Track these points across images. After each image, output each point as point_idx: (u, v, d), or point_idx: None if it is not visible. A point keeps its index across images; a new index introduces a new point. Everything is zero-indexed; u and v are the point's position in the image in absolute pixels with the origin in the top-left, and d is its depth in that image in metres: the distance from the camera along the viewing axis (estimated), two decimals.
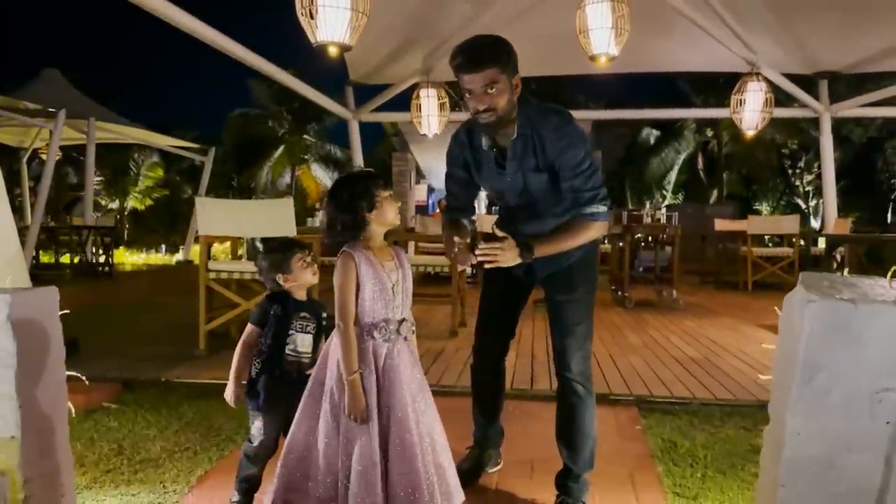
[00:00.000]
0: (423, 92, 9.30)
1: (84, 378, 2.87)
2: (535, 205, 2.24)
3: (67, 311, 2.07)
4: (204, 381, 3.66)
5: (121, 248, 16.12)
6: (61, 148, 13.42)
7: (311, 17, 5.17)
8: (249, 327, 2.19)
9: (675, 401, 3.37)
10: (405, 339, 1.91)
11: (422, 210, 15.47)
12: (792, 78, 9.09)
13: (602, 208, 2.15)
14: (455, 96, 10.83)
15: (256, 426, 2.15)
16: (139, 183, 23.46)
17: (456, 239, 2.18)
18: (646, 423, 3.09)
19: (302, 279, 2.21)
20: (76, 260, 10.91)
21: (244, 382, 2.18)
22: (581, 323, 2.26)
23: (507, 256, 2.07)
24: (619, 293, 7.45)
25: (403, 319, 1.92)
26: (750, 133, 8.51)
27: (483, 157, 2.26)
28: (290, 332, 2.15)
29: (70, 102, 10.25)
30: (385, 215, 1.92)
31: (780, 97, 8.69)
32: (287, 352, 2.14)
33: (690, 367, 4.11)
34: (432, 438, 1.90)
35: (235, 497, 2.16)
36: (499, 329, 2.47)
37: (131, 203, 24.03)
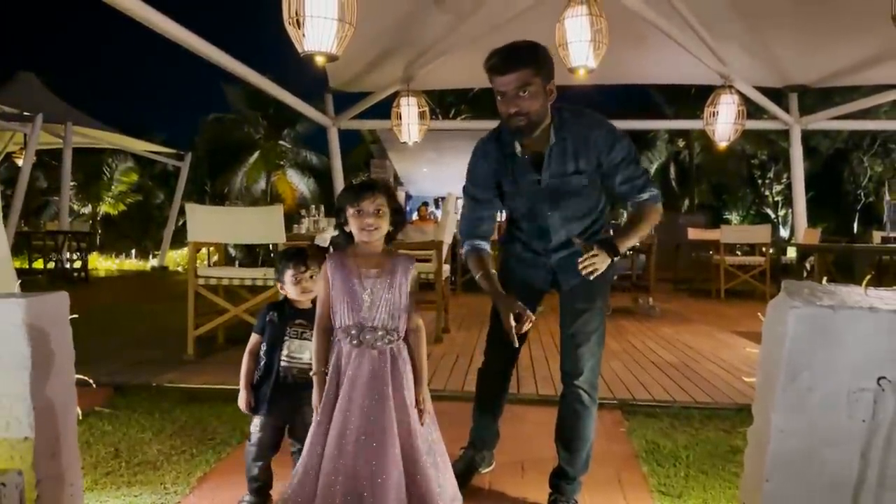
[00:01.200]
0: (403, 100, 9.38)
1: (92, 381, 2.90)
2: (566, 209, 2.29)
3: (76, 316, 2.10)
4: (195, 385, 3.71)
5: (93, 253, 15.91)
6: (36, 152, 13.32)
7: (299, 27, 5.26)
8: (253, 336, 2.27)
9: (656, 404, 3.49)
10: (374, 348, 1.94)
11: None
12: (763, 91, 9.36)
13: (655, 190, 2.26)
14: (433, 105, 10.95)
15: (254, 423, 2.26)
16: (112, 188, 23.21)
17: (517, 313, 2.16)
18: (629, 425, 3.21)
19: (290, 293, 2.29)
20: (50, 265, 10.81)
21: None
22: (596, 331, 2.33)
23: (603, 261, 2.12)
24: None
25: (375, 328, 1.95)
26: (723, 144, 8.73)
27: (516, 163, 2.26)
28: (285, 338, 2.23)
29: (46, 106, 10.19)
30: (353, 230, 1.98)
31: (750, 109, 8.93)
32: (282, 357, 2.22)
33: (670, 371, 4.24)
34: (409, 449, 1.93)
35: (248, 497, 2.23)
36: (506, 346, 2.51)
37: (104, 208, 23.75)
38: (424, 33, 8.50)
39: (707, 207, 24.02)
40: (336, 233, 2.09)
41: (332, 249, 2.10)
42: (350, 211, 1.97)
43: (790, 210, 25.72)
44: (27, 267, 12.11)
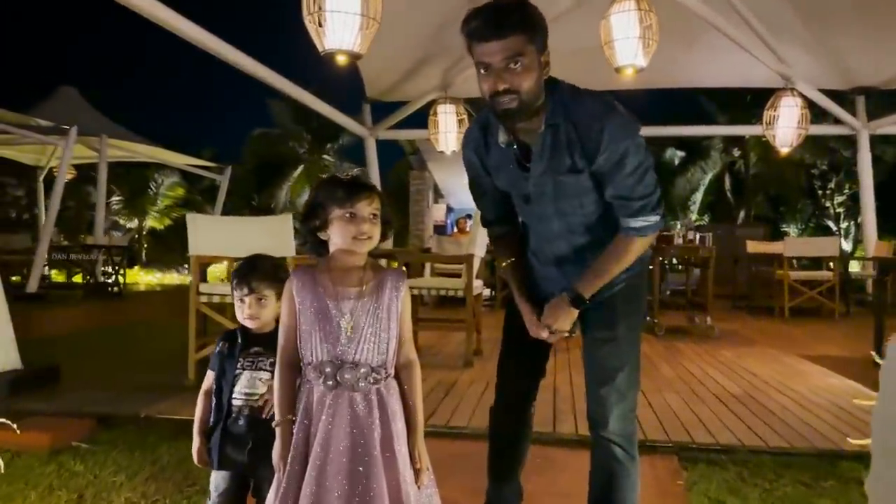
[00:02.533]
0: (440, 108, 9.02)
1: (14, 426, 2.54)
2: (565, 216, 1.83)
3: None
4: (187, 417, 3.27)
5: (136, 267, 15.92)
6: (79, 167, 13.34)
7: (319, 25, 4.90)
8: (207, 374, 1.85)
9: (720, 448, 2.93)
10: (356, 390, 1.51)
11: (440, 230, 15.11)
12: (826, 94, 8.68)
13: (654, 219, 1.75)
14: (473, 112, 10.54)
15: (212, 480, 1.88)
16: (158, 202, 23.40)
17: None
18: (688, 476, 2.66)
19: (238, 316, 1.87)
20: (82, 279, 10.71)
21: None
22: (623, 368, 1.84)
23: (563, 320, 1.81)
24: (649, 319, 7.00)
25: (356, 364, 1.52)
26: (784, 150, 8.09)
27: (501, 155, 1.83)
28: (237, 370, 1.81)
29: (82, 119, 10.08)
30: (336, 237, 1.56)
31: (810, 114, 8.26)
32: (234, 395, 1.80)
33: (733, 405, 3.67)
34: None
35: None
36: (525, 366, 2.04)
37: (150, 223, 23.95)
38: (462, 38, 8.14)
39: (763, 219, 22.97)
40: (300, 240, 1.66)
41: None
42: (337, 212, 1.54)
43: (853, 222, 24.53)
44: (65, 281, 12.11)
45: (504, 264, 1.99)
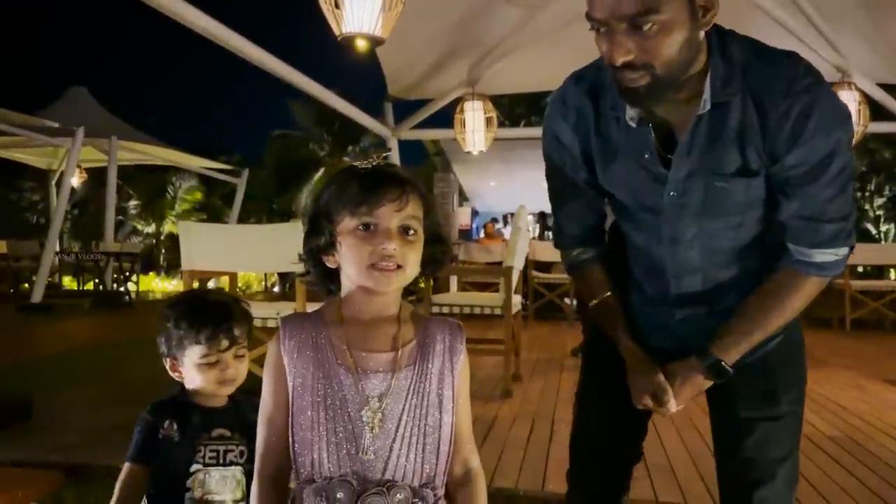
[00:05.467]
0: (467, 105, 8.43)
1: None
2: (711, 239, 1.23)
3: None
4: None
5: (151, 274, 15.55)
6: (95, 171, 12.93)
7: (336, 7, 4.34)
8: (126, 468, 1.28)
9: None
10: None
11: (465, 235, 14.52)
12: (886, 88, 7.97)
13: (843, 251, 1.17)
14: (501, 116, 10.00)
15: None
16: (176, 207, 23.08)
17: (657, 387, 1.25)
18: None
19: (195, 380, 1.32)
20: (99, 288, 10.28)
21: None
22: (786, 459, 1.26)
23: (688, 394, 1.24)
24: None
25: (390, 485, 0.93)
26: None
27: (624, 139, 1.23)
28: (194, 465, 1.24)
29: (92, 120, 9.65)
30: (348, 265, 0.99)
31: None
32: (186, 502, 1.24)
33: (834, 452, 3.00)
34: None
35: None
36: (613, 447, 1.43)
37: (168, 227, 23.65)
38: (491, 30, 7.55)
39: None
40: (301, 269, 1.09)
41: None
42: (347, 223, 0.97)
43: (893, 225, 23.62)
44: (76, 289, 11.69)
45: (595, 301, 1.37)
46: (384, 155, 1.02)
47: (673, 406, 1.22)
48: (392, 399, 0.96)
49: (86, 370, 4.94)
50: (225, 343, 1.34)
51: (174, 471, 1.29)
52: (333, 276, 1.02)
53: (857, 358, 5.68)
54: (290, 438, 0.96)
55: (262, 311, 3.20)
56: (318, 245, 1.00)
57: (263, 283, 15.01)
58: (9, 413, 3.25)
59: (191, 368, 1.36)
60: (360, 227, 0.96)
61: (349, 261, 0.97)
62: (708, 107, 1.12)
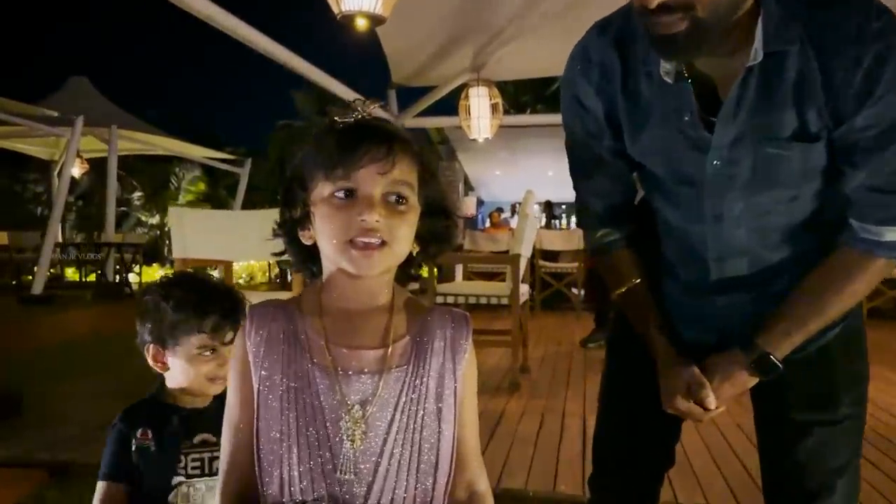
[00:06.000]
0: (472, 91, 8.26)
1: None
2: (762, 216, 1.07)
3: None
4: None
5: (154, 265, 15.44)
6: (97, 162, 12.78)
7: None
8: (100, 487, 1.14)
9: None
10: None
11: (471, 224, 14.36)
12: None
13: None
14: (506, 105, 9.83)
15: None
16: (180, 198, 22.91)
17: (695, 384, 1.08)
18: None
19: (184, 376, 1.20)
20: (100, 279, 10.17)
21: None
22: (846, 469, 1.11)
23: (730, 393, 1.06)
24: None
25: None
26: None
27: (658, 97, 1.06)
28: (176, 477, 1.10)
29: (92, 110, 9.50)
30: (324, 242, 0.83)
31: None
32: None
33: None
34: None
35: None
36: (643, 453, 1.28)
37: None
38: (497, 12, 7.37)
39: None
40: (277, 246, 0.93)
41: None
42: (323, 190, 0.81)
43: None
44: (78, 280, 11.57)
45: (622, 289, 1.21)
46: (375, 105, 0.85)
47: (712, 404, 1.06)
48: (378, 406, 0.80)
49: (83, 363, 4.81)
50: (230, 335, 1.20)
51: (154, 485, 1.14)
52: (315, 255, 0.86)
53: (879, 349, 5.50)
54: (255, 453, 0.80)
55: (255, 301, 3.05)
56: (293, 217, 0.85)
57: (267, 274, 14.83)
58: None
59: (183, 360, 1.22)
60: (337, 195, 0.80)
61: (324, 236, 0.81)
62: (759, 57, 0.95)
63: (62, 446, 2.82)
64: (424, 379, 0.83)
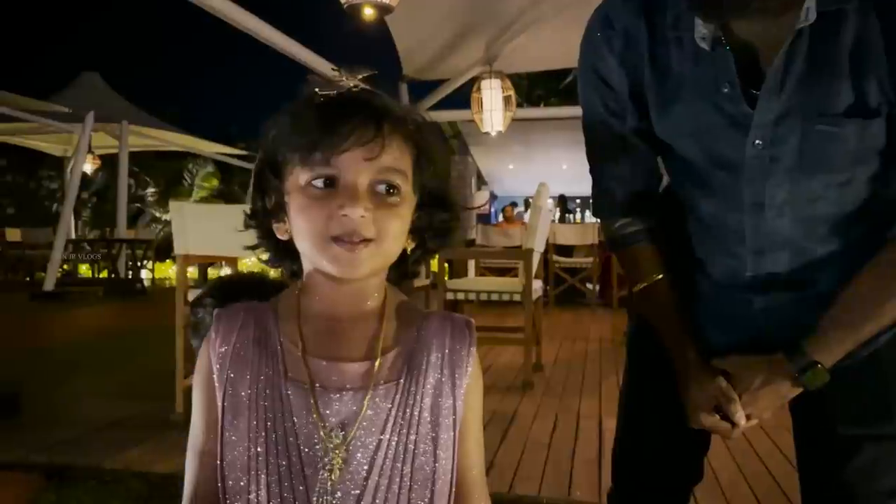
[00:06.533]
0: (485, 84, 8.14)
1: None
2: (809, 203, 0.94)
3: None
4: (163, 471, 2.47)
5: (168, 261, 15.43)
6: (111, 158, 12.77)
7: None
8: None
9: None
10: None
11: (483, 219, 14.23)
12: None
13: None
14: (520, 99, 9.69)
15: None
16: (194, 193, 22.92)
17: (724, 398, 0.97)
18: None
19: None
20: (112, 276, 10.16)
21: None
22: None
23: (769, 405, 0.94)
24: None
25: None
26: None
27: (690, 66, 0.94)
28: None
29: (104, 106, 9.47)
30: (300, 238, 0.71)
31: None
32: None
33: None
34: None
35: None
36: (668, 467, 1.16)
37: None
38: (509, 2, 7.26)
39: None
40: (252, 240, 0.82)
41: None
42: (300, 177, 0.70)
43: None
44: (91, 277, 11.57)
45: (642, 286, 1.09)
46: (362, 76, 0.74)
47: (742, 420, 0.94)
48: (363, 429, 0.69)
49: (89, 361, 4.74)
50: None
51: None
52: (295, 251, 0.75)
53: None
54: (220, 482, 0.69)
55: None
56: (264, 208, 0.74)
57: (280, 271, 14.76)
58: None
59: None
60: (315, 183, 0.68)
61: (300, 231, 0.70)
62: (812, 17, 0.82)
63: (60, 448, 2.74)
64: (418, 397, 0.72)
